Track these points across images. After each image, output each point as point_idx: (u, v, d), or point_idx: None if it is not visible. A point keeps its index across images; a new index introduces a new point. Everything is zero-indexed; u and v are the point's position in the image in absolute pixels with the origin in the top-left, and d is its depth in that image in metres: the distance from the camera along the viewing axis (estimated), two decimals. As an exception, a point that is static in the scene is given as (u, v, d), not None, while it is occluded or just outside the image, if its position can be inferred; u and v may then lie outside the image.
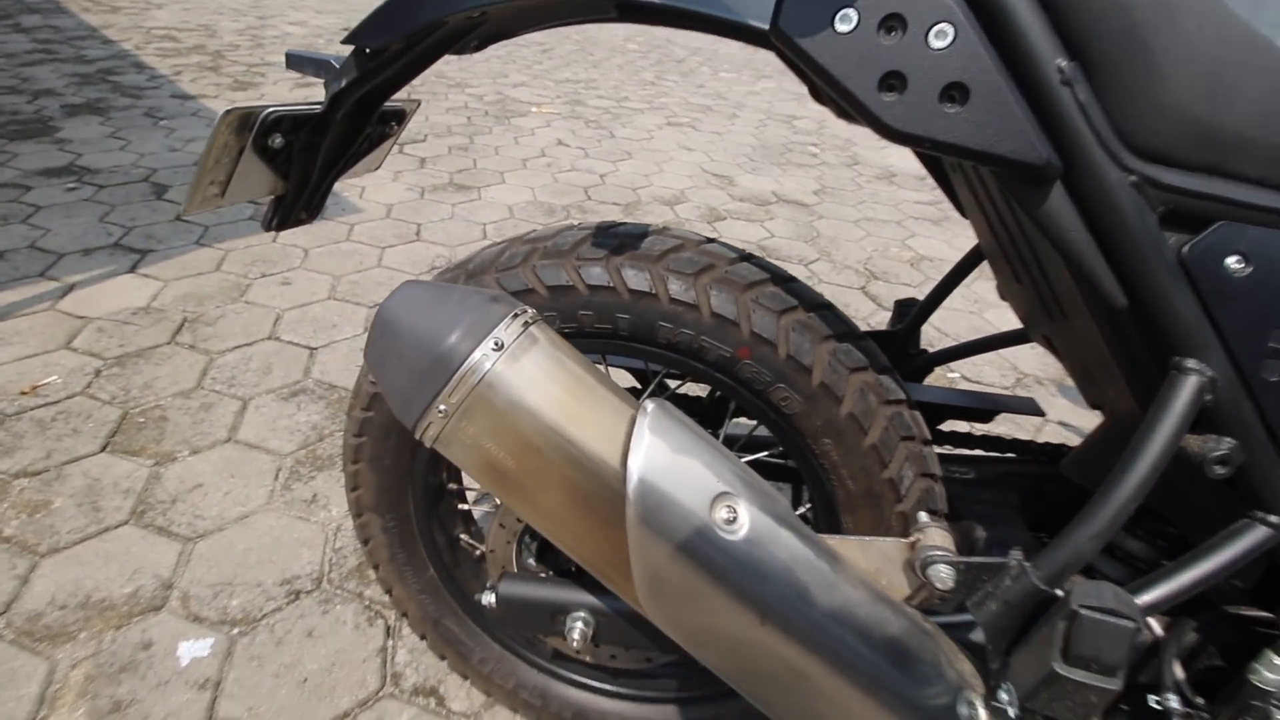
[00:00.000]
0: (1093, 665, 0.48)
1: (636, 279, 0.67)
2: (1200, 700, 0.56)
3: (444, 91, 4.20)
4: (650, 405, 0.51)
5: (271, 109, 0.64)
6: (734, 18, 0.48)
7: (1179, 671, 0.57)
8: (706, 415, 0.99)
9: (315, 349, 1.74)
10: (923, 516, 0.61)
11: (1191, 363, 0.50)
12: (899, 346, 1.01)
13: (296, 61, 0.68)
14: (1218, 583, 0.51)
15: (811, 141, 4.00)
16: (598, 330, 0.70)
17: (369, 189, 2.73)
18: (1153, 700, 0.57)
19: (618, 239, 0.70)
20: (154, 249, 2.13)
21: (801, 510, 0.88)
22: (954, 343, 1.87)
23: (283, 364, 1.68)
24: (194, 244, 2.18)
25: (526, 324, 0.52)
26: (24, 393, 1.50)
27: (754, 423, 0.97)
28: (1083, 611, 0.48)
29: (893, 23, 0.46)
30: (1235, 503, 0.54)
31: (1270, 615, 0.58)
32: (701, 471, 0.49)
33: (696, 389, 1.80)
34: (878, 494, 0.68)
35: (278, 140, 0.66)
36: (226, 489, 1.31)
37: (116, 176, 2.59)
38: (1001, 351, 2.03)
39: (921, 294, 2.35)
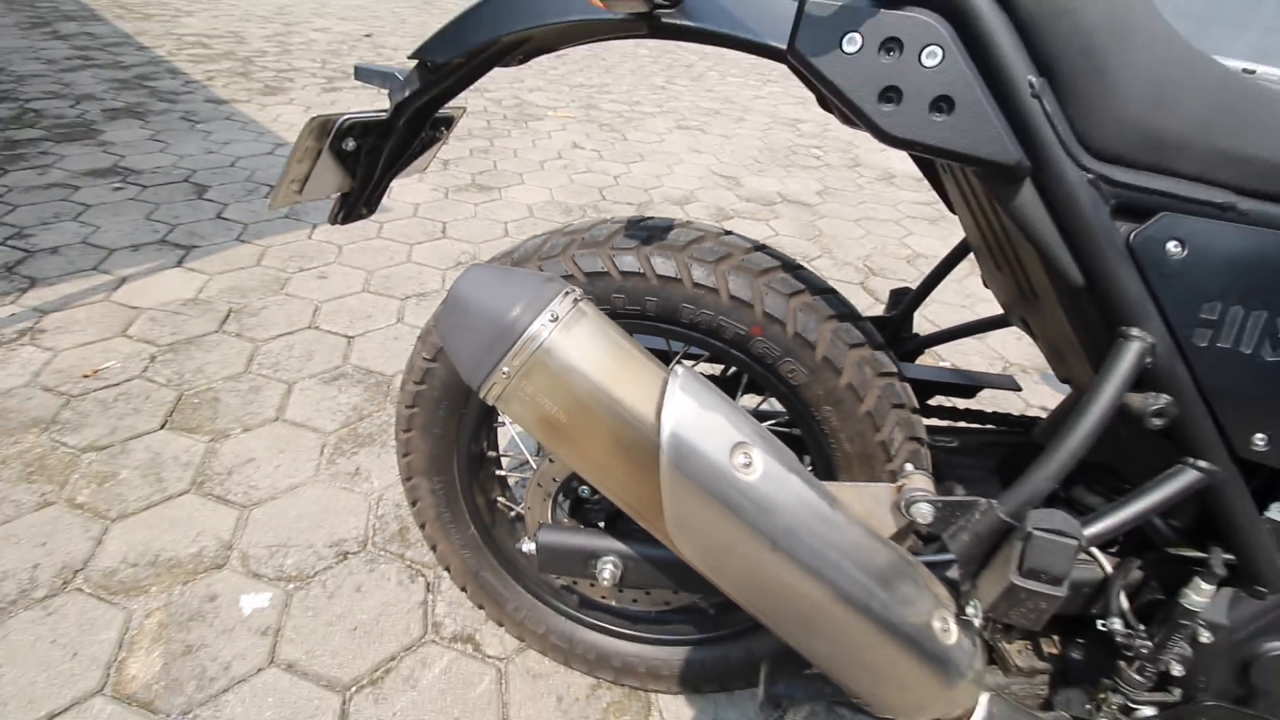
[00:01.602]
0: (1043, 576, 0.55)
1: (664, 265, 0.75)
2: (1140, 626, 0.64)
3: (464, 96, 4.28)
4: (680, 369, 0.59)
5: (347, 116, 0.72)
6: (756, 39, 0.56)
7: (1124, 602, 0.65)
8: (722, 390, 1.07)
9: (352, 337, 1.83)
10: (909, 467, 0.69)
11: (1135, 331, 0.58)
12: (893, 330, 1.08)
13: (364, 74, 0.76)
14: (1153, 518, 0.59)
15: (815, 145, 4.06)
16: (629, 311, 0.78)
17: (396, 190, 2.81)
18: (1100, 625, 0.65)
19: (647, 231, 0.78)
20: (198, 245, 2.22)
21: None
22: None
23: (323, 351, 1.76)
24: (235, 240, 2.28)
25: (576, 300, 0.60)
26: (86, 376, 1.59)
27: (761, 398, 1.04)
28: (1035, 533, 0.56)
29: (891, 45, 0.53)
30: (1170, 451, 0.62)
31: (1202, 554, 0.65)
32: (723, 424, 0.57)
33: (712, 369, 1.87)
34: (871, 455, 0.75)
35: (350, 143, 0.74)
36: (277, 463, 1.40)
37: (158, 177, 2.68)
38: (989, 342, 2.10)
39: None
